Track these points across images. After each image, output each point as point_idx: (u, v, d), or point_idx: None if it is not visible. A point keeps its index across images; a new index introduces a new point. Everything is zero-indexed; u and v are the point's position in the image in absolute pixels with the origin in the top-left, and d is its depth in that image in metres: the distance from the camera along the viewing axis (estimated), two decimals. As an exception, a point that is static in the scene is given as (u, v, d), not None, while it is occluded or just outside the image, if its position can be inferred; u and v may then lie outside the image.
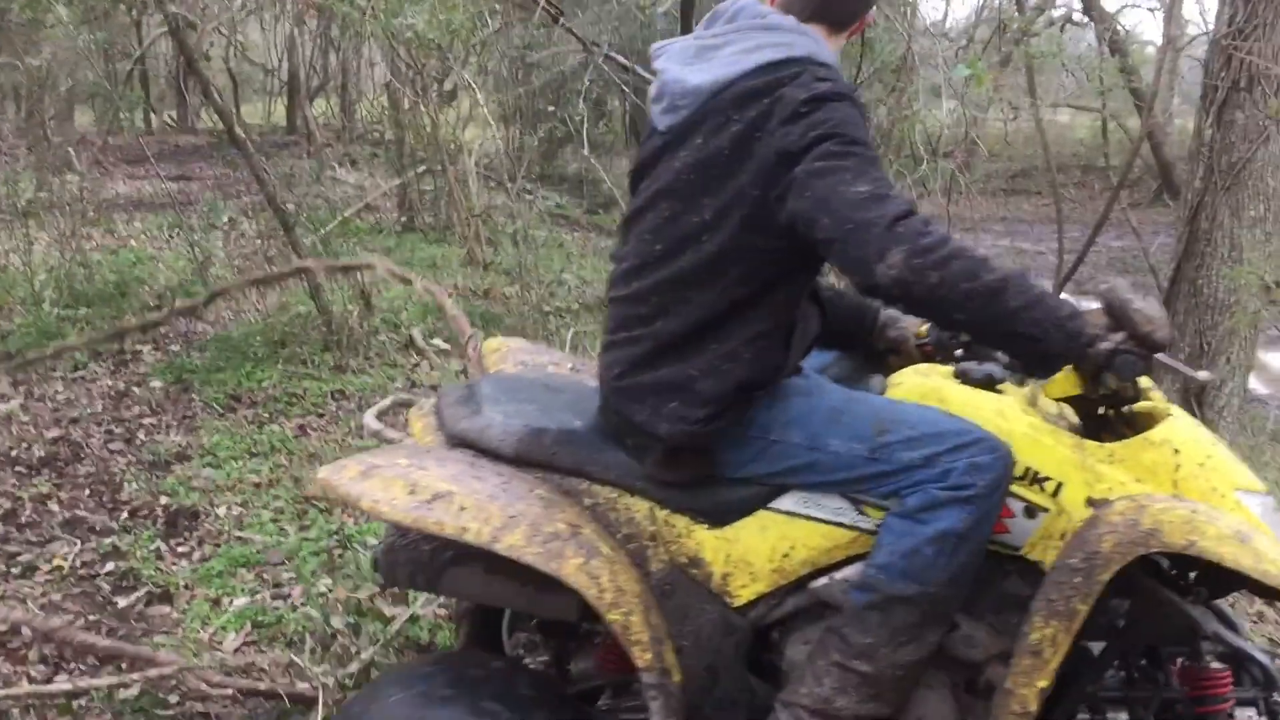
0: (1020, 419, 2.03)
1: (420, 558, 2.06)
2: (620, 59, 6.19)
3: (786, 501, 2.03)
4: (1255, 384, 8.24)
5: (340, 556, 3.81)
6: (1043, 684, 1.90)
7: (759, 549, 2.03)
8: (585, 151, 8.06)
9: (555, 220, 10.44)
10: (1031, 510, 1.99)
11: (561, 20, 6.63)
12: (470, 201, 9.18)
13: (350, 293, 6.60)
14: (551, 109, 10.85)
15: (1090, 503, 1.97)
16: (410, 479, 1.92)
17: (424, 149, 9.68)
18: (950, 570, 1.89)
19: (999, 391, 2.11)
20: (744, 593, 2.04)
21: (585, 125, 7.88)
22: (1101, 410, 2.11)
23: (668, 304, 1.98)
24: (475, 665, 2.12)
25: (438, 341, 6.51)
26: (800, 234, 1.85)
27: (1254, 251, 5.47)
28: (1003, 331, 1.81)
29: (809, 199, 1.81)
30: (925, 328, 2.42)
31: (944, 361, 2.36)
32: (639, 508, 2.06)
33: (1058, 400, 2.07)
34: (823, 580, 2.04)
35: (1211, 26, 7.29)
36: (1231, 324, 5.53)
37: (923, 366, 2.29)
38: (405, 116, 9.89)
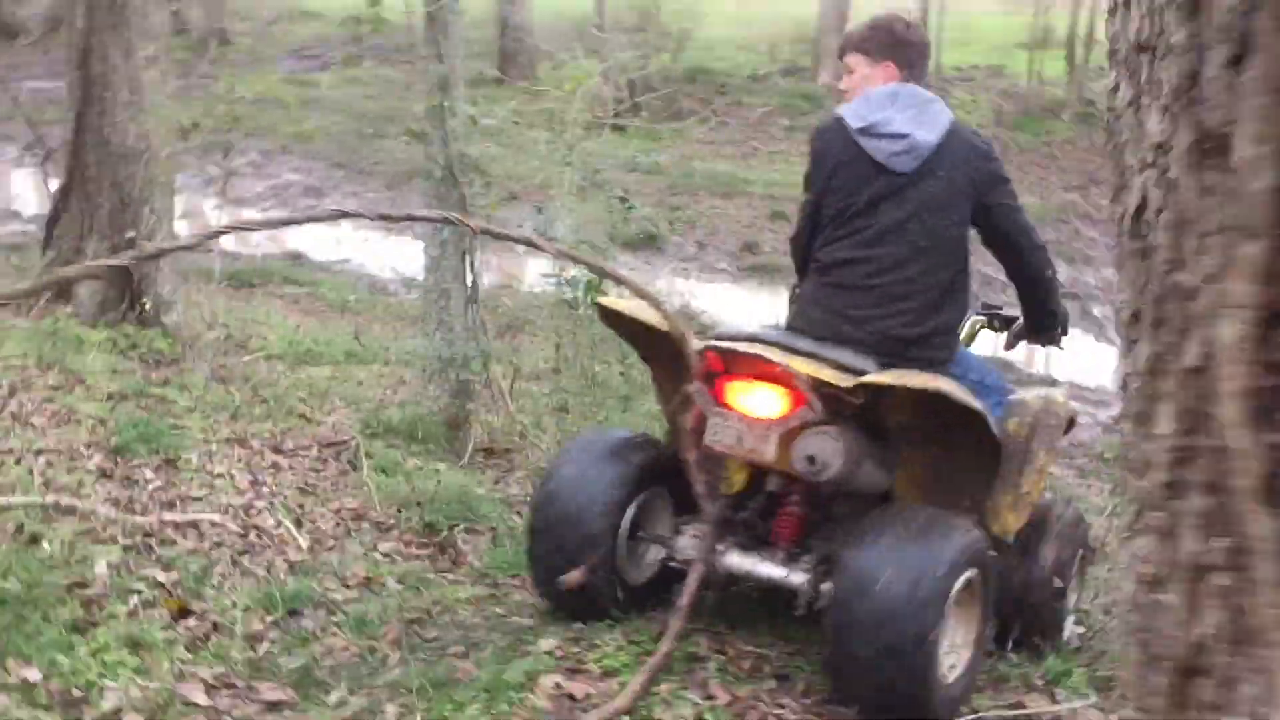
0: None
1: (850, 452, 2.96)
2: None
3: None
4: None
5: None
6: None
7: None
8: None
9: None
10: None
11: None
12: None
13: None
14: None
15: None
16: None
17: None
18: None
19: None
20: None
21: None
22: None
23: (929, 279, 3.18)
24: (923, 511, 3.05)
25: None
26: (993, 232, 3.25)
27: (157, 93, 5.03)
28: (1052, 307, 3.42)
29: (1011, 223, 3.23)
30: None
31: None
32: None
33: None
34: None
35: None
36: (151, 172, 5.02)
37: None
38: None
